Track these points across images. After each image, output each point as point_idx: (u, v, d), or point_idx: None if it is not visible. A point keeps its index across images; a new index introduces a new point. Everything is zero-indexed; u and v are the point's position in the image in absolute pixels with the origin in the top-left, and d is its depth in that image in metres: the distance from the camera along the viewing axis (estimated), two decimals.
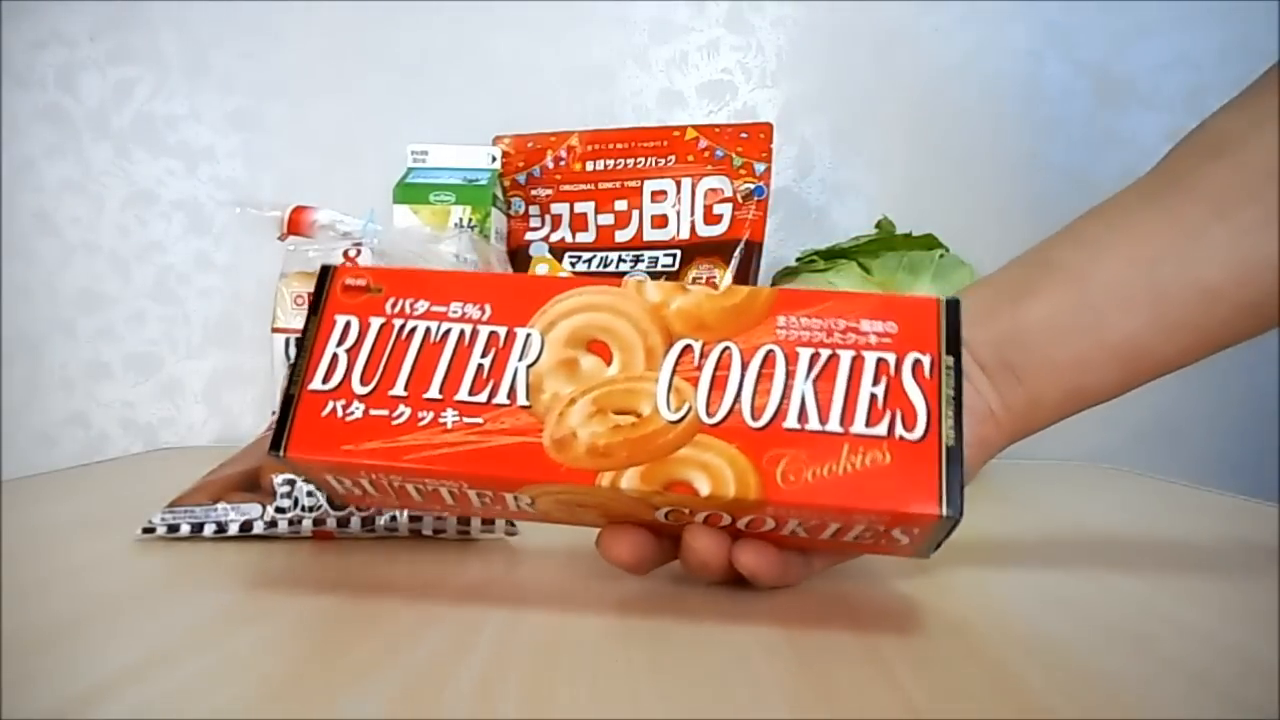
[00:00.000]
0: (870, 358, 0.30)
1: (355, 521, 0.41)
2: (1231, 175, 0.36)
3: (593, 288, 0.32)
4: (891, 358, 0.30)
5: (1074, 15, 0.84)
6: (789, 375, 0.30)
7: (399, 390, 0.31)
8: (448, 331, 0.32)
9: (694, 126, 0.68)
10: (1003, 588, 0.37)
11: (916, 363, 0.30)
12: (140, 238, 0.85)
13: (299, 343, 0.33)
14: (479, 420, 0.30)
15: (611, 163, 0.69)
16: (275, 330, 0.57)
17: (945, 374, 0.29)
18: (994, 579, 0.38)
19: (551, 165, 0.69)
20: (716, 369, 0.30)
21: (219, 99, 0.85)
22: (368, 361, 0.32)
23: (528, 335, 0.31)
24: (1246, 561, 0.42)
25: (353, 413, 0.31)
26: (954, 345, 0.30)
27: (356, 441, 0.31)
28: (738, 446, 0.29)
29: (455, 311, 0.32)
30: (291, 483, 0.42)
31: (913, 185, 0.84)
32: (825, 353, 0.30)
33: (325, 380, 0.32)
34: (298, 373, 0.32)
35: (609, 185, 0.68)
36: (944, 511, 0.28)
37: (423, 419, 0.31)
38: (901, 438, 0.29)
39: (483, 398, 0.31)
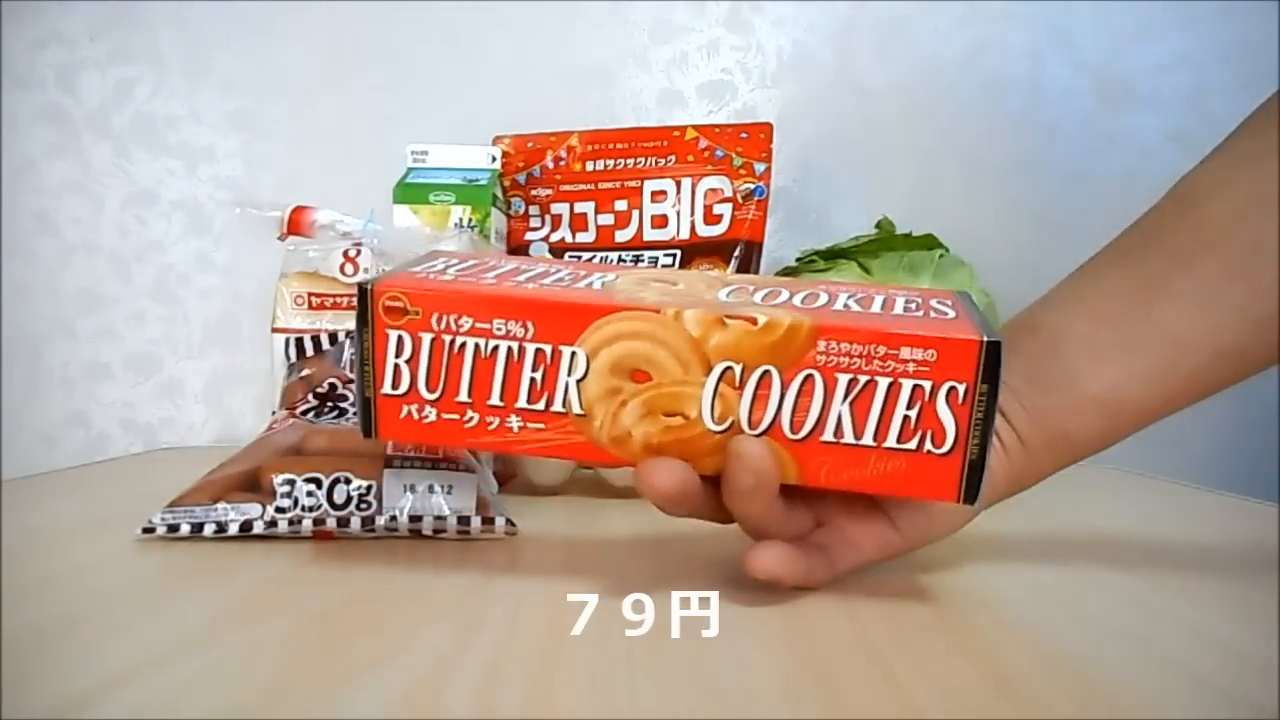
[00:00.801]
0: (907, 385, 0.31)
1: (355, 521, 0.41)
2: (1193, 229, 0.37)
3: (631, 314, 0.32)
4: (928, 385, 0.30)
5: (1074, 15, 0.84)
6: (827, 398, 0.31)
7: (464, 397, 0.33)
8: (496, 347, 0.33)
9: (694, 126, 0.68)
10: (1003, 587, 0.37)
11: (951, 390, 0.30)
12: (140, 238, 0.85)
13: (357, 353, 0.34)
14: (541, 426, 0.33)
15: (611, 163, 0.69)
16: (275, 330, 0.57)
17: (979, 400, 0.30)
18: (994, 579, 0.38)
19: (551, 165, 0.69)
20: (758, 389, 0.31)
21: (219, 99, 0.85)
22: (429, 372, 0.33)
23: (573, 353, 0.32)
24: (1246, 561, 0.42)
25: (427, 416, 0.33)
26: (991, 375, 0.30)
27: (436, 439, 0.33)
28: (779, 444, 0.32)
29: (499, 329, 0.32)
30: (291, 483, 0.42)
31: (913, 185, 0.84)
32: (863, 379, 0.31)
33: (394, 387, 0.33)
34: (367, 379, 0.34)
35: (609, 185, 0.68)
36: (960, 499, 0.31)
37: (491, 424, 0.33)
38: (929, 452, 0.31)
39: (540, 406, 0.33)
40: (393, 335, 0.33)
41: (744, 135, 0.68)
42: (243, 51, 0.85)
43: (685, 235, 0.67)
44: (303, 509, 0.41)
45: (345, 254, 0.58)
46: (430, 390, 0.33)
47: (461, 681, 0.25)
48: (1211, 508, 0.57)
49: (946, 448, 0.31)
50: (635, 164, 0.68)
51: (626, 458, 0.32)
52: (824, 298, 0.33)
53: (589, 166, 0.69)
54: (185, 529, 0.41)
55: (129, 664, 0.26)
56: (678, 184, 0.68)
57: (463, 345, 0.33)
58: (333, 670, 0.26)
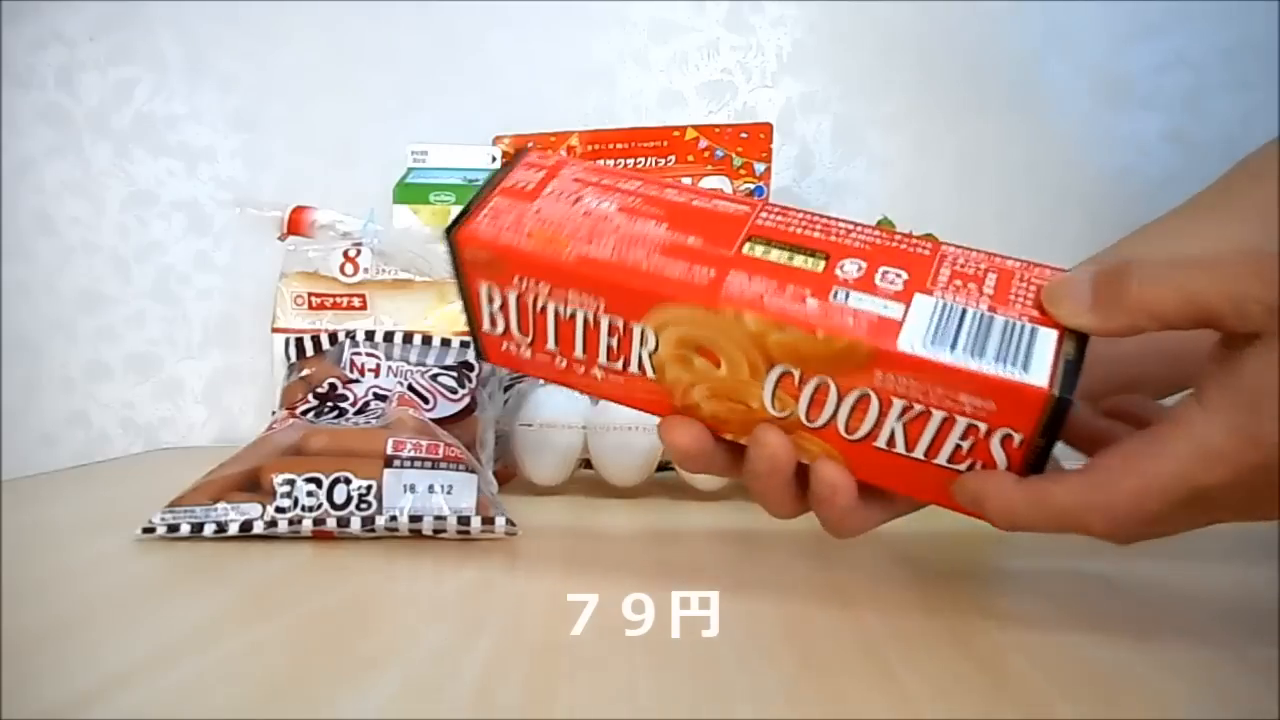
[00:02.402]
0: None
1: (355, 521, 0.41)
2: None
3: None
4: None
5: (1074, 15, 0.83)
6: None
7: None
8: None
9: (694, 126, 0.68)
10: (1003, 587, 0.37)
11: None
12: (140, 238, 0.85)
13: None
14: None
15: (611, 163, 0.69)
16: (275, 330, 0.57)
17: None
18: (994, 578, 0.38)
19: None
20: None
21: (219, 99, 0.85)
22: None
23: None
24: (1246, 562, 0.42)
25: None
26: (1051, 430, 0.29)
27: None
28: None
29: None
30: (291, 483, 0.42)
31: (913, 185, 0.84)
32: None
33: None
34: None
35: None
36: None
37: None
38: None
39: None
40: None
41: (744, 135, 0.68)
42: (243, 51, 0.85)
43: None
44: (303, 509, 0.41)
45: (345, 254, 0.58)
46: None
47: (461, 681, 0.25)
48: None
49: None
50: (635, 164, 0.68)
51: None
52: (871, 418, 0.30)
53: None
54: (185, 529, 0.41)
55: (129, 664, 0.26)
56: None
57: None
58: (333, 670, 0.26)
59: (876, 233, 0.32)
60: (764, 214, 0.33)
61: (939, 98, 0.84)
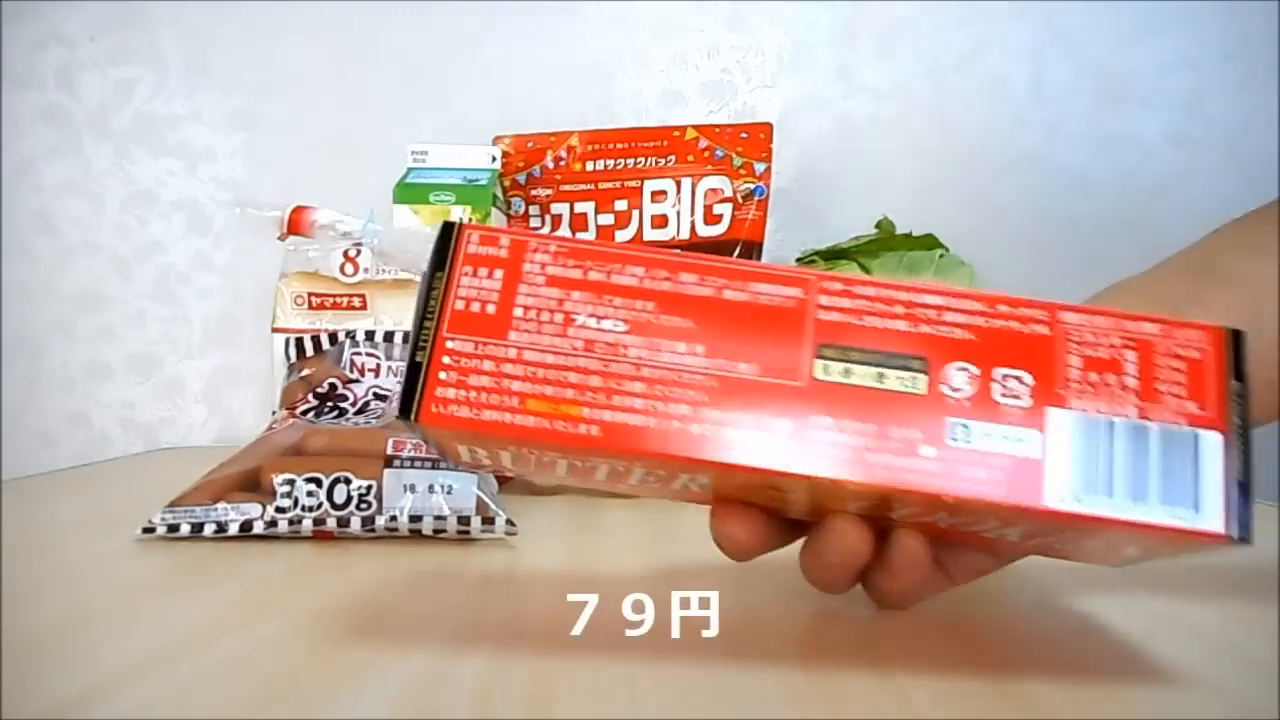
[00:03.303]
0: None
1: (355, 521, 0.41)
2: None
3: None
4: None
5: (1074, 15, 0.83)
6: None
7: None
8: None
9: (694, 126, 0.68)
10: (1002, 588, 0.37)
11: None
12: (140, 238, 0.85)
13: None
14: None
15: (611, 163, 0.69)
16: (275, 330, 0.57)
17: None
18: (994, 579, 0.38)
19: (551, 165, 0.69)
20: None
21: (219, 99, 0.85)
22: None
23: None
24: (1246, 562, 0.42)
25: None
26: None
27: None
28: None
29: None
30: (291, 482, 0.42)
31: (913, 185, 0.84)
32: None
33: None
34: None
35: (609, 185, 0.68)
36: None
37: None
38: None
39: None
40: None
41: (744, 135, 0.68)
42: (243, 51, 0.85)
43: (685, 235, 0.67)
44: (303, 509, 0.41)
45: (345, 254, 0.58)
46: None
47: (462, 681, 0.25)
48: None
49: None
50: (635, 164, 0.68)
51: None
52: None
53: (589, 166, 0.69)
54: (185, 529, 0.41)
55: (129, 664, 0.26)
56: (678, 184, 0.68)
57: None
58: (333, 670, 0.26)
59: (973, 301, 0.26)
60: (823, 298, 0.26)
61: (938, 98, 0.84)
